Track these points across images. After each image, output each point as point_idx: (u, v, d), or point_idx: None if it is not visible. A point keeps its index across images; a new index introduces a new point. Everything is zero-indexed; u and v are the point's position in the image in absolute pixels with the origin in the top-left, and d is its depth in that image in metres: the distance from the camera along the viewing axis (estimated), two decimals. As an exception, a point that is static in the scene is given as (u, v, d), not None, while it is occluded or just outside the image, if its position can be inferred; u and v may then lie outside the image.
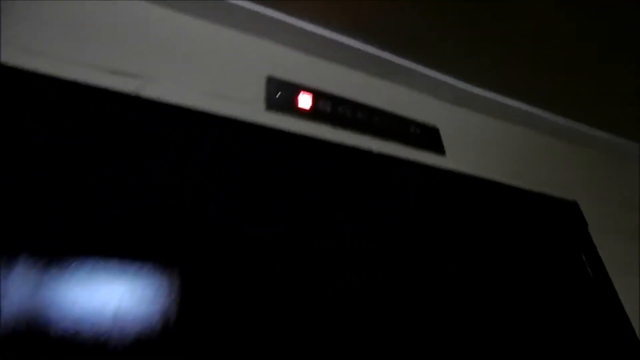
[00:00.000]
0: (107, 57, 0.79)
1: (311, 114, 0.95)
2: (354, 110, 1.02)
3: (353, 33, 1.01)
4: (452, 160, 1.13)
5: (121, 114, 0.78)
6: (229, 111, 0.85)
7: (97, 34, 0.80)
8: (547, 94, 1.25)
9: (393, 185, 1.00)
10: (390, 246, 0.90)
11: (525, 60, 1.15)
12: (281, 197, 0.81)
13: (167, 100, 0.81)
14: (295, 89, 0.96)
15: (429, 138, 1.13)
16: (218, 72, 0.89)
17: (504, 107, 1.27)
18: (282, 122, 0.90)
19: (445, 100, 1.24)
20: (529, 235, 1.17)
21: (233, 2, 0.89)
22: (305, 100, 0.95)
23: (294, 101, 0.94)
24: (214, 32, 0.92)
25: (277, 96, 0.93)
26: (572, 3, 1.00)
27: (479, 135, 1.25)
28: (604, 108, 1.30)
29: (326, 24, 0.98)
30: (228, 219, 0.74)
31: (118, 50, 0.81)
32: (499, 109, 1.27)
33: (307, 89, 0.97)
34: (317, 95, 0.98)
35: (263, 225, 0.73)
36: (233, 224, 0.73)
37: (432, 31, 1.05)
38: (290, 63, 0.99)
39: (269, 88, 0.92)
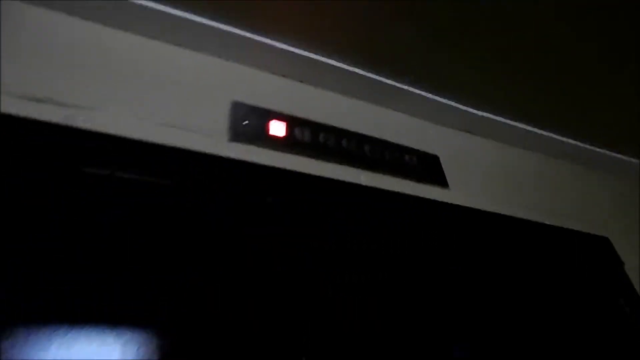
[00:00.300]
0: (35, 83, 0.66)
1: (286, 144, 0.80)
2: (339, 138, 0.88)
3: (334, 52, 0.89)
4: (456, 193, 0.96)
5: (47, 149, 0.64)
6: (184, 143, 0.71)
7: (20, 54, 0.68)
8: (566, 117, 1.10)
9: (389, 225, 0.84)
10: (392, 298, 0.74)
11: (537, 79, 1.00)
12: (235, 259, 0.65)
13: (107, 132, 0.67)
14: (265, 116, 0.82)
15: (428, 168, 0.97)
16: (173, 99, 0.75)
17: (514, 131, 1.11)
18: (249, 154, 0.75)
19: (445, 126, 1.09)
20: (554, 277, 0.99)
21: (191, 19, 0.77)
22: (278, 128, 0.81)
23: (265, 129, 0.80)
24: (169, 54, 0.79)
25: (244, 124, 0.79)
26: (577, 19, 0.87)
27: (486, 164, 1.09)
28: (631, 131, 1.14)
29: (301, 42, 0.85)
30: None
31: (48, 75, 0.68)
32: (509, 134, 1.12)
33: (281, 116, 0.83)
34: (293, 122, 0.84)
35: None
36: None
37: (426, 49, 0.92)
38: (260, 87, 0.86)
39: (234, 115, 0.79)
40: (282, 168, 0.76)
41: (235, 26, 0.80)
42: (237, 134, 0.77)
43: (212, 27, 0.79)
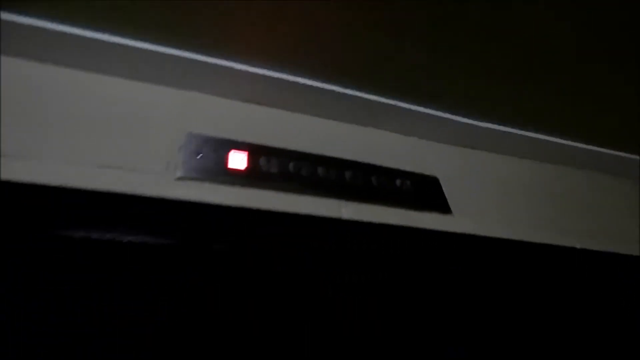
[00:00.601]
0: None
1: (248, 177, 0.69)
2: (313, 165, 0.75)
3: (304, 69, 0.78)
4: (461, 219, 0.82)
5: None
6: (120, 185, 0.60)
7: None
8: (584, 120, 0.95)
9: (380, 267, 0.70)
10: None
11: (544, 79, 0.87)
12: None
13: (28, 181, 0.56)
14: (224, 147, 0.70)
15: (425, 192, 0.83)
16: (111, 137, 0.65)
17: (524, 142, 0.96)
18: (200, 193, 0.64)
19: (442, 142, 0.96)
20: (594, 309, 0.81)
21: (132, 45, 0.68)
22: (238, 160, 0.70)
23: (223, 162, 0.68)
24: (107, 86, 0.70)
25: (197, 158, 0.67)
26: (581, 16, 0.75)
27: (495, 182, 0.94)
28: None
29: (264, 62, 0.75)
30: None
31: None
32: (518, 145, 0.97)
33: (242, 145, 0.72)
34: (257, 151, 0.72)
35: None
36: None
37: (411, 57, 0.80)
38: (217, 115, 0.75)
39: (186, 149, 0.68)
40: (240, 207, 0.64)
41: (185, 50, 0.70)
42: (189, 170, 0.65)
43: (158, 53, 0.69)
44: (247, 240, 0.63)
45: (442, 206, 0.83)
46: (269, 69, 0.75)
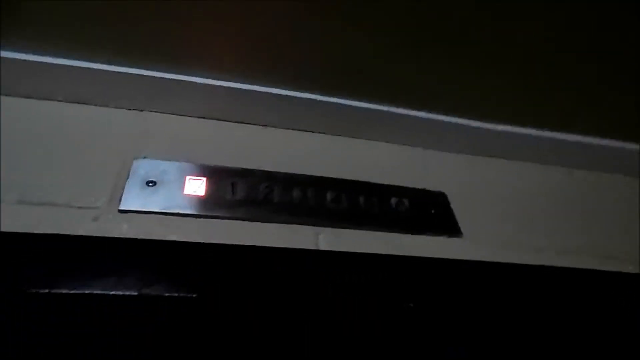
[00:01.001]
0: None
1: (207, 206, 0.59)
2: (288, 187, 0.64)
3: (272, 79, 0.68)
4: (474, 242, 0.68)
5: None
6: (48, 226, 0.51)
7: None
8: (614, 116, 0.79)
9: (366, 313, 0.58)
10: None
11: (563, 72, 0.72)
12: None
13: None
14: (179, 171, 0.61)
15: (428, 211, 0.70)
16: (44, 166, 0.57)
17: (549, 145, 0.81)
18: (148, 227, 0.54)
19: (449, 151, 0.82)
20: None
21: (71, 64, 0.60)
22: (195, 186, 0.60)
23: (179, 189, 0.59)
24: (39, 108, 0.62)
25: (147, 185, 0.58)
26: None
27: (514, 196, 0.79)
28: None
29: (225, 72, 0.65)
30: None
31: None
32: (542, 149, 0.82)
33: (201, 168, 0.62)
34: (218, 174, 0.62)
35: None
36: None
37: (403, 57, 0.68)
38: (172, 136, 0.66)
39: (134, 176, 0.59)
40: (195, 242, 0.54)
41: (132, 65, 0.62)
42: (136, 201, 0.56)
43: (100, 70, 0.61)
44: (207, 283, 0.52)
45: (450, 227, 0.69)
46: (231, 79, 0.65)
